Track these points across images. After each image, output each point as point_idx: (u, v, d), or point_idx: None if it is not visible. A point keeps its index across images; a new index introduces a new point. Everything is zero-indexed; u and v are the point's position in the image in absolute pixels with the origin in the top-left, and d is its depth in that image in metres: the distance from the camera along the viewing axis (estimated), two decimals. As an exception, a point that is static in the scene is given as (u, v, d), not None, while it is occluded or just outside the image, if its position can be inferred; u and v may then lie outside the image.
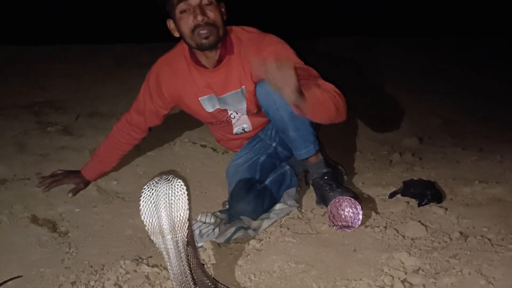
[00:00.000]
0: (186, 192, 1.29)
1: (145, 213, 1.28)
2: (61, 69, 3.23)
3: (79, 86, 3.02)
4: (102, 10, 5.18)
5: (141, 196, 1.30)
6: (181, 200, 1.29)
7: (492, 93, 3.84)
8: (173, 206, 1.28)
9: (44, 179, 2.05)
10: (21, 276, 1.58)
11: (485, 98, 3.77)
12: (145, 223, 1.29)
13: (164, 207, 1.28)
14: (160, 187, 1.29)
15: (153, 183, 1.30)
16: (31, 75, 3.12)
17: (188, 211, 1.29)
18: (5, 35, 4.19)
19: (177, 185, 1.30)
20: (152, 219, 1.28)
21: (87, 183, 2.09)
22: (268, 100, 1.88)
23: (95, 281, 1.55)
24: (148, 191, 1.29)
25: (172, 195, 1.29)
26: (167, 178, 1.30)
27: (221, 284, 1.44)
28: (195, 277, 1.35)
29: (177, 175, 1.46)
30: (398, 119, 3.24)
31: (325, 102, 1.72)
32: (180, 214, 1.28)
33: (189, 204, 1.30)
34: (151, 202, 1.28)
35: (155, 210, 1.28)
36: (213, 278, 1.46)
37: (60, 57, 3.45)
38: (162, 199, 1.28)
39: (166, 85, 1.98)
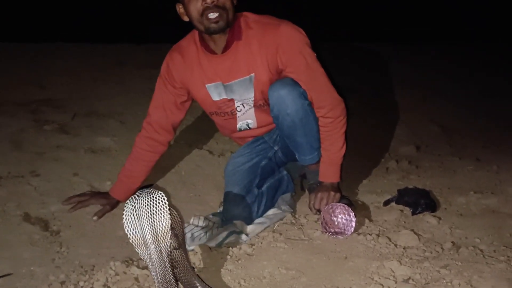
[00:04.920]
0: (167, 203, 1.34)
1: (128, 226, 1.33)
2: (60, 68, 3.23)
3: (77, 85, 3.02)
4: (104, 9, 5.19)
5: (124, 210, 1.34)
6: (162, 210, 1.33)
7: (493, 102, 3.83)
8: (155, 216, 1.33)
9: (70, 198, 1.98)
10: (11, 274, 1.58)
11: (487, 106, 3.76)
12: (128, 236, 1.33)
13: (146, 218, 1.32)
14: (141, 200, 1.34)
15: (134, 197, 1.35)
16: (30, 73, 3.12)
17: (170, 221, 1.33)
18: (6, 32, 4.20)
19: (158, 196, 1.34)
20: (136, 231, 1.32)
21: (113, 205, 1.98)
22: (280, 105, 1.87)
23: (85, 282, 1.55)
24: (130, 205, 1.34)
25: (153, 206, 1.33)
26: (148, 191, 1.35)
27: (210, 287, 1.44)
28: (179, 284, 1.39)
29: (157, 187, 1.51)
30: (397, 126, 3.23)
31: (340, 142, 1.96)
32: (162, 224, 1.33)
33: (176, 213, 1.36)
34: (133, 215, 1.33)
35: (138, 222, 1.32)
36: (203, 281, 1.46)
37: (60, 55, 3.45)
38: (143, 210, 1.33)
39: (177, 71, 1.94)
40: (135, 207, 1.34)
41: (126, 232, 1.33)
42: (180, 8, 1.82)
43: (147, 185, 2.05)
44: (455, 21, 6.00)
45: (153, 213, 1.33)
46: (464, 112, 3.65)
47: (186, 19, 1.83)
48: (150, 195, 1.35)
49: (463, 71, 4.36)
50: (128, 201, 1.36)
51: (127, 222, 1.33)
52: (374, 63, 4.26)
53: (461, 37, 5.46)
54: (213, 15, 1.73)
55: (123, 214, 1.34)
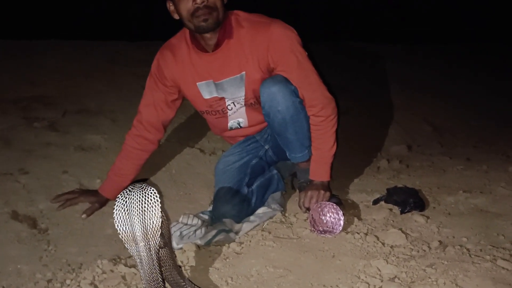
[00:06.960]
0: (159, 200, 1.31)
1: (118, 221, 1.30)
2: (52, 65, 3.21)
3: (69, 82, 2.99)
4: (98, 7, 5.17)
5: (115, 204, 1.32)
6: (154, 207, 1.31)
7: (488, 102, 3.84)
8: (146, 213, 1.30)
9: (59, 196, 1.96)
10: (-2, 272, 1.58)
11: (481, 106, 3.77)
12: (118, 231, 1.31)
13: (137, 215, 1.30)
14: (133, 195, 1.31)
15: (126, 191, 1.32)
16: (22, 70, 3.09)
17: (160, 219, 1.31)
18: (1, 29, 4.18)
19: (150, 193, 1.32)
20: (126, 227, 1.30)
21: (103, 203, 1.96)
22: (271, 102, 1.87)
23: (71, 280, 1.55)
24: (122, 199, 1.31)
25: (145, 203, 1.31)
26: (140, 186, 1.32)
27: (197, 286, 1.43)
28: (166, 282, 1.37)
29: (150, 183, 1.47)
30: (389, 125, 3.24)
31: (331, 141, 1.96)
32: (152, 222, 1.30)
33: (162, 211, 1.32)
34: (124, 210, 1.30)
35: (128, 217, 1.30)
36: (189, 280, 1.46)
37: (53, 52, 3.42)
38: (135, 206, 1.30)
39: (168, 69, 1.94)
40: (126, 202, 1.31)
41: (116, 227, 1.30)
42: (170, 6, 1.82)
43: (140, 179, 2.05)
44: (455, 21, 6.01)
45: (144, 210, 1.30)
46: (458, 112, 3.67)
47: (176, 17, 1.83)
48: (142, 191, 1.32)
49: (460, 71, 4.38)
50: (119, 195, 1.33)
51: (117, 217, 1.31)
52: (370, 62, 4.27)
53: (461, 37, 5.47)
54: (202, 14, 1.74)
55: (114, 208, 1.32)
